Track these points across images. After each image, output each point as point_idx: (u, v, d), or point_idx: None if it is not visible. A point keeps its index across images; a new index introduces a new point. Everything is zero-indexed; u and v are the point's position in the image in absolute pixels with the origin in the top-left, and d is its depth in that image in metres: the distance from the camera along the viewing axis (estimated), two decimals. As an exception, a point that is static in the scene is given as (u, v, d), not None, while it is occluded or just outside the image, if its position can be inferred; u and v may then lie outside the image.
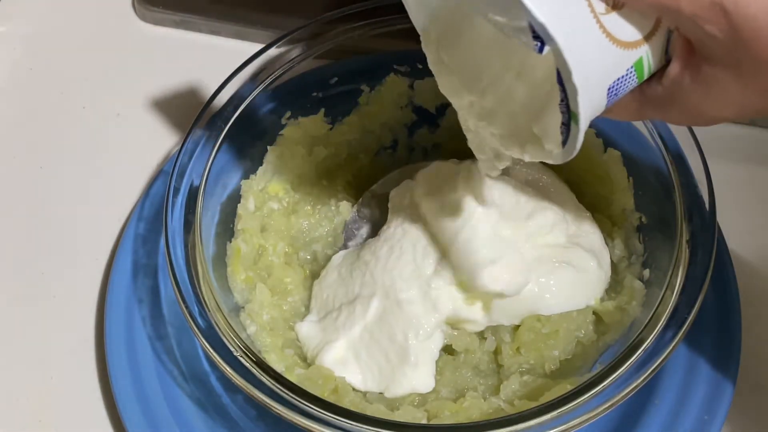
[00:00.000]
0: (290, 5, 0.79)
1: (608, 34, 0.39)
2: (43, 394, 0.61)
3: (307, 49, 0.62)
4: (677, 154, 0.56)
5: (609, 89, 0.40)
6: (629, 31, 0.40)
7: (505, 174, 0.61)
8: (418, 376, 0.55)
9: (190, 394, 0.58)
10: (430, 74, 0.65)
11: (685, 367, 0.57)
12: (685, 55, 0.41)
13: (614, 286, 0.58)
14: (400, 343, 0.55)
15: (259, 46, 0.62)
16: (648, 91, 0.43)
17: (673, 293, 0.51)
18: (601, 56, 0.39)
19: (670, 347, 0.49)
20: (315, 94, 0.65)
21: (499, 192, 0.58)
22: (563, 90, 0.38)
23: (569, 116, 0.40)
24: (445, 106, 0.66)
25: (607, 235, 0.60)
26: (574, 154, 0.42)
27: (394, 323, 0.56)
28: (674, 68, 0.41)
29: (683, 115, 0.44)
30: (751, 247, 0.66)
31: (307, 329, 0.58)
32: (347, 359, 0.56)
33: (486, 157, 0.51)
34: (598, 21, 0.38)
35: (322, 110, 0.64)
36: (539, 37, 0.36)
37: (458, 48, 0.49)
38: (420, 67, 0.65)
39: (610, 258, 0.60)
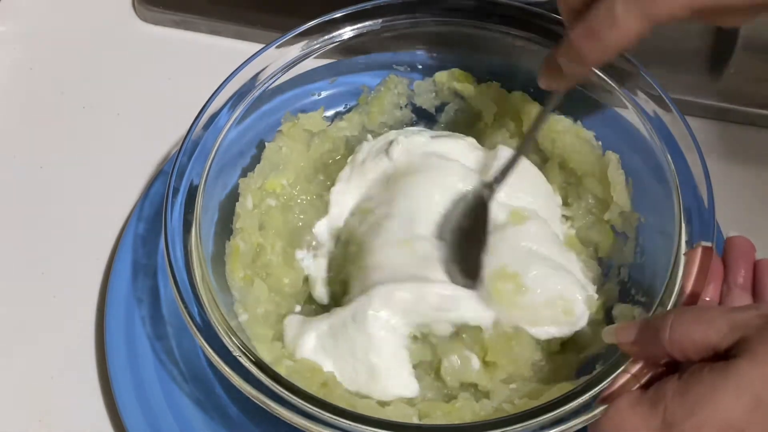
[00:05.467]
0: (290, 5, 0.79)
1: None
2: (43, 394, 0.61)
3: (307, 49, 0.62)
4: (677, 154, 0.56)
5: None
6: None
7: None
8: (396, 385, 0.53)
9: (190, 394, 0.58)
10: (429, 74, 0.66)
11: (685, 367, 0.57)
12: None
13: (612, 287, 0.58)
14: (362, 360, 0.53)
15: (259, 46, 0.62)
16: None
17: (672, 294, 0.51)
18: None
19: (670, 347, 0.49)
20: (315, 93, 0.65)
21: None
22: None
23: None
24: (444, 105, 0.67)
25: (606, 235, 0.60)
26: None
27: (352, 335, 0.54)
28: None
29: None
30: (750, 247, 0.66)
31: (289, 320, 0.57)
32: (321, 352, 0.55)
33: None
34: None
35: (322, 107, 0.64)
36: None
37: None
38: (420, 67, 0.66)
39: (611, 259, 0.60)
